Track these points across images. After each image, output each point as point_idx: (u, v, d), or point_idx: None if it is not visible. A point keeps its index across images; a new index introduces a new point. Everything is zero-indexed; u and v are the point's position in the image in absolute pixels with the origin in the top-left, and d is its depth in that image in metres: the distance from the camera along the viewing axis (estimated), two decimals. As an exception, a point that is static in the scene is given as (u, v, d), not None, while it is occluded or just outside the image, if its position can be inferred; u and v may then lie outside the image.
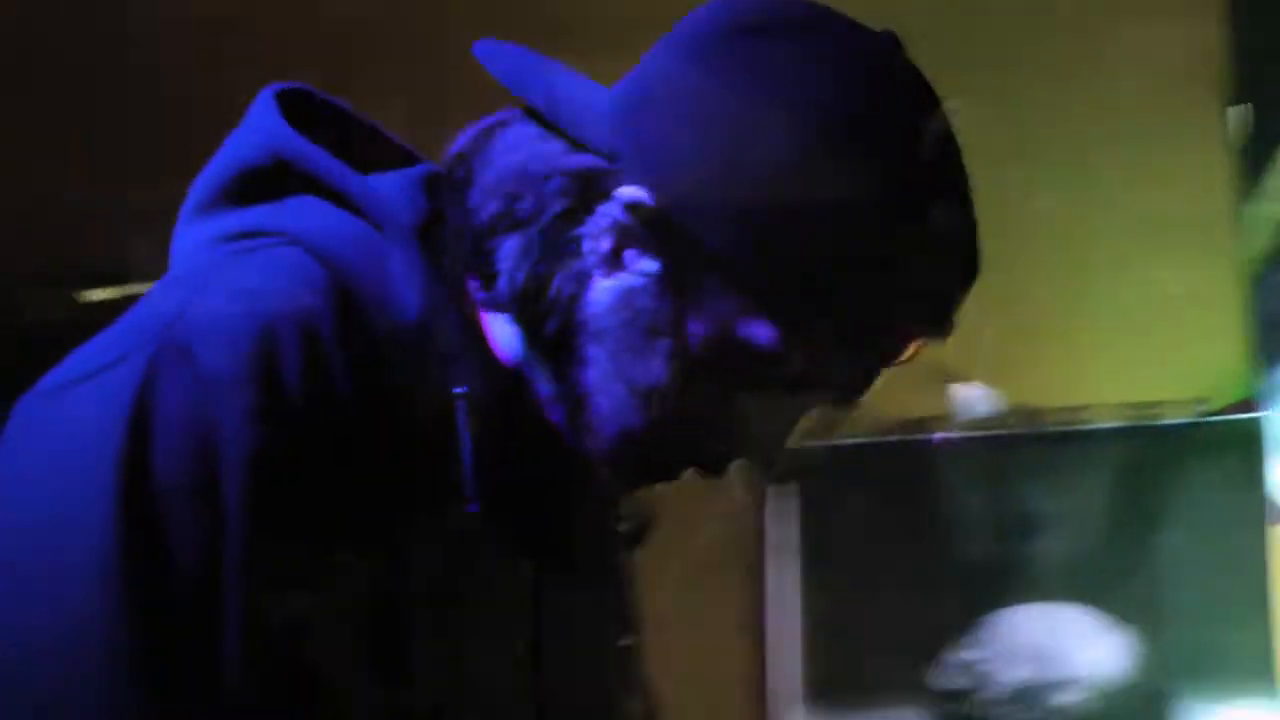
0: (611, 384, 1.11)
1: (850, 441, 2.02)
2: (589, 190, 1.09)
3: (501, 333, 1.12)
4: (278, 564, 1.06)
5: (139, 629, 1.01)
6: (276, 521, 1.04)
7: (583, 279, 1.10)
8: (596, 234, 1.09)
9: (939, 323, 1.12)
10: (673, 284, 1.08)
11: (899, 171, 1.08)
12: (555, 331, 1.10)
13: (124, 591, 1.01)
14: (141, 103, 2.01)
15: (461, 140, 1.15)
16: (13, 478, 1.05)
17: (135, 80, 2.00)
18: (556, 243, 1.10)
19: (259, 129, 1.16)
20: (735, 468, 1.15)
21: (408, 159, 1.20)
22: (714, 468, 1.15)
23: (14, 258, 2.06)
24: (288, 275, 1.09)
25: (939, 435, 1.98)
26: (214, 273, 1.11)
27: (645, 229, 1.09)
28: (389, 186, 1.14)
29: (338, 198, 1.14)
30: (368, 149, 1.19)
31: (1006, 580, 2.06)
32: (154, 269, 1.15)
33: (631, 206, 1.08)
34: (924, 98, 1.11)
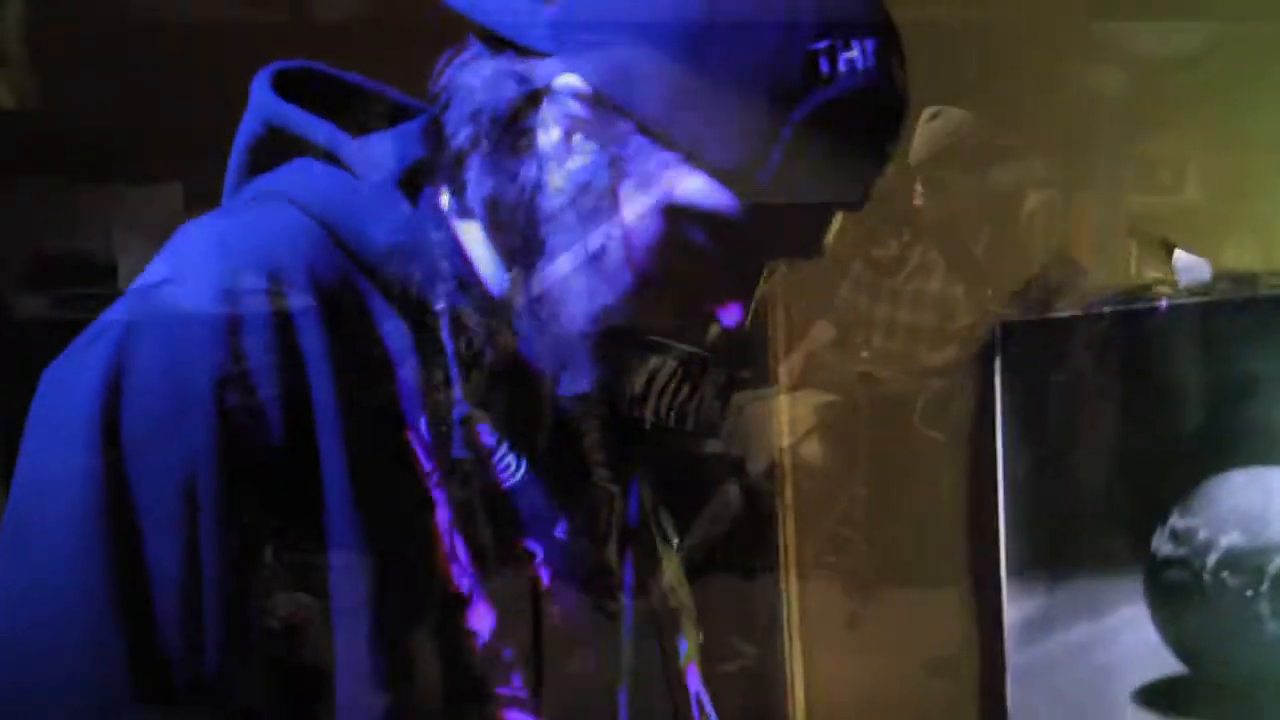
0: (577, 269, 1.19)
1: (1066, 315, 2.04)
2: (534, 88, 1.17)
3: (482, 255, 1.20)
4: (249, 493, 1.12)
5: (114, 569, 1.09)
6: (247, 458, 1.12)
7: (540, 170, 1.18)
8: (546, 125, 1.17)
9: (876, 156, 1.15)
10: (612, 157, 1.16)
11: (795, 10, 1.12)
12: (523, 227, 1.19)
13: (99, 534, 1.10)
14: (139, 102, 2.04)
15: (440, 76, 1.24)
16: (29, 440, 1.17)
17: (133, 80, 2.04)
18: (514, 143, 1.19)
19: (254, 104, 1.27)
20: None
21: (415, 113, 1.29)
22: (690, 333, 1.21)
23: (9, 258, 2.09)
24: (267, 229, 1.20)
25: (1157, 302, 2.00)
26: (201, 236, 1.21)
27: (586, 112, 1.16)
28: (376, 140, 1.24)
29: (326, 155, 1.24)
30: (371, 111, 1.29)
31: (1220, 446, 2.06)
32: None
33: (572, 94, 1.15)
34: None
